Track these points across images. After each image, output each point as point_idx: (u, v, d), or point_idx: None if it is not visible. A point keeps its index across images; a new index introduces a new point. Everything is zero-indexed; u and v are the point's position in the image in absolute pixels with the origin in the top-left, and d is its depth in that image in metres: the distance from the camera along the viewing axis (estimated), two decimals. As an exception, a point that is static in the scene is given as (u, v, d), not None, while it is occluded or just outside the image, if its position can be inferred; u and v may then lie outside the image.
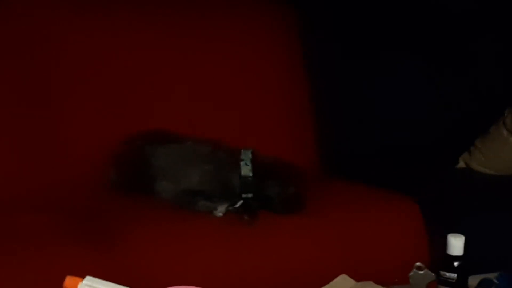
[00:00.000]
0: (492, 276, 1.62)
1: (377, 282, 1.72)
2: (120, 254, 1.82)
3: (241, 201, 1.96)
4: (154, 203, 2.01)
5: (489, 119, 2.30)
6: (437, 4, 2.46)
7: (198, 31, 2.35)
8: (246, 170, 1.97)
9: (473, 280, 1.58)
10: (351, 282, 1.74)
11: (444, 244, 1.54)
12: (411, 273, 1.73)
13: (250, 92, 2.39)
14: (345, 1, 2.46)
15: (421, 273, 1.72)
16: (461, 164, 2.30)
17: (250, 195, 1.96)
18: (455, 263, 1.52)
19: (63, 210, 1.98)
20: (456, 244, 1.52)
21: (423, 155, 2.30)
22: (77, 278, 1.16)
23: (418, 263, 1.73)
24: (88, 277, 1.16)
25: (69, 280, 1.16)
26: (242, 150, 2.00)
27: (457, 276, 1.51)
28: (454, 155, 2.30)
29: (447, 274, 1.52)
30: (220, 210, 1.96)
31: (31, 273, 1.73)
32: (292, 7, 2.47)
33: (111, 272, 1.61)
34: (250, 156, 1.99)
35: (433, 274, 1.65)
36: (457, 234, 1.54)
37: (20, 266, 1.73)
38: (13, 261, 1.73)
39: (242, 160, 1.98)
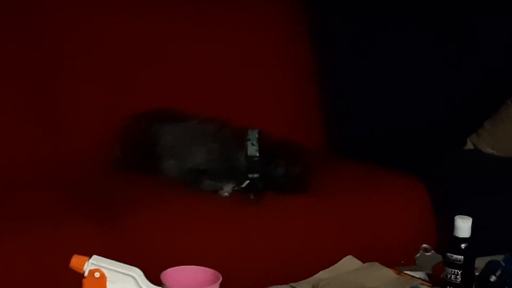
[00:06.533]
0: (499, 258, 1.61)
1: (383, 263, 1.72)
2: (126, 233, 1.82)
3: (247, 181, 1.95)
4: (160, 182, 2.01)
5: (498, 99, 2.28)
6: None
7: (206, 11, 2.34)
8: (252, 150, 1.96)
9: (480, 262, 1.57)
10: (357, 263, 1.74)
11: (451, 226, 1.53)
12: (418, 255, 1.74)
13: (256, 72, 2.38)
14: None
15: (427, 255, 1.72)
16: (469, 146, 2.29)
17: (256, 175, 1.95)
18: (462, 245, 1.52)
19: (70, 188, 1.98)
20: (463, 226, 1.52)
21: (431, 136, 2.29)
22: (83, 257, 1.16)
23: (424, 245, 1.73)
24: (94, 256, 1.16)
25: (75, 259, 1.16)
26: (248, 130, 1.99)
27: (464, 258, 1.51)
28: (462, 136, 2.29)
29: (454, 256, 1.51)
30: (226, 190, 1.95)
31: (37, 250, 1.72)
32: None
33: (116, 250, 1.62)
34: (257, 136, 1.98)
35: (440, 255, 1.64)
36: (464, 216, 1.53)
37: (26, 244, 1.73)
38: (20, 239, 1.73)
39: (249, 140, 1.97)
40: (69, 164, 2.10)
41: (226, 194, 1.95)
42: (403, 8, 2.41)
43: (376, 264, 1.72)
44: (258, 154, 1.96)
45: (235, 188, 1.96)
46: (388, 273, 1.68)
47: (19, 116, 2.12)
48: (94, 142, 2.16)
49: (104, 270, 1.17)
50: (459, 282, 1.51)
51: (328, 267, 1.72)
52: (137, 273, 1.20)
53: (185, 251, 1.82)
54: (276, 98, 2.39)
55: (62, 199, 1.91)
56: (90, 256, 1.19)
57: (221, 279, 1.32)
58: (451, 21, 2.41)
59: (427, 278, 1.66)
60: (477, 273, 1.55)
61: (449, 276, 1.51)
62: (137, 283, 1.19)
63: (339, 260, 1.75)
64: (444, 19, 2.41)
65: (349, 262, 1.74)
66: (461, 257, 1.51)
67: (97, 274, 1.17)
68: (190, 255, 1.77)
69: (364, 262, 1.74)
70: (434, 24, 2.40)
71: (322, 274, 1.69)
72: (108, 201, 1.92)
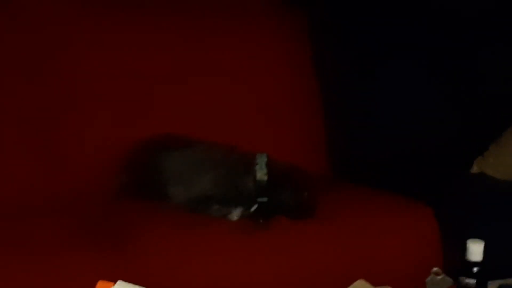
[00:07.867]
0: (509, 281, 1.62)
1: (394, 287, 1.72)
2: (134, 259, 1.82)
3: (256, 205, 1.96)
4: (167, 208, 2.01)
5: (503, 123, 2.31)
6: (447, 8, 2.47)
7: (211, 37, 2.36)
8: (261, 174, 1.97)
9: (492, 286, 1.58)
10: (369, 287, 1.75)
11: (459, 249, 1.54)
12: (428, 279, 1.74)
13: (260, 98, 2.39)
14: (352, 8, 2.47)
15: (438, 278, 1.72)
16: (475, 169, 2.30)
17: (265, 199, 1.96)
18: (474, 269, 1.52)
19: (76, 214, 1.98)
20: (475, 250, 1.53)
21: (436, 160, 2.30)
22: (108, 283, 1.17)
23: (435, 268, 1.73)
24: (119, 282, 1.17)
25: (101, 284, 1.16)
26: (257, 154, 2.00)
27: (476, 281, 1.52)
28: (468, 160, 2.31)
29: (466, 279, 1.52)
30: (235, 214, 1.96)
31: (44, 277, 1.73)
32: (302, 14, 2.48)
33: (123, 276, 1.62)
34: (266, 160, 1.98)
35: (450, 279, 1.65)
36: (477, 240, 1.54)
37: (33, 270, 1.74)
38: (27, 265, 1.74)
39: (257, 164, 1.98)
40: (76, 191, 2.10)
41: (235, 218, 1.96)
42: (404, 40, 2.44)
43: (388, 288, 1.73)
44: (267, 178, 1.96)
45: (244, 213, 1.96)
46: (400, 297, 1.68)
47: (25, 143, 2.13)
48: (101, 169, 2.16)
49: (128, 296, 1.17)
50: (471, 305, 1.52)
51: (339, 291, 1.72)
52: (159, 298, 1.20)
53: (193, 276, 1.83)
54: (280, 124, 2.40)
55: (70, 226, 1.91)
56: (96, 281, 1.19)
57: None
58: (453, 47, 2.44)
59: (438, 302, 1.66)
60: (489, 297, 1.56)
61: (461, 299, 1.52)
62: (159, 308, 1.19)
63: (348, 285, 1.75)
64: (447, 45, 2.44)
65: (361, 286, 1.74)
66: (473, 281, 1.52)
67: (121, 300, 1.17)
68: (198, 280, 1.78)
69: (375, 286, 1.74)
70: (438, 49, 2.42)
71: (334, 298, 1.69)
72: (116, 227, 1.92)
